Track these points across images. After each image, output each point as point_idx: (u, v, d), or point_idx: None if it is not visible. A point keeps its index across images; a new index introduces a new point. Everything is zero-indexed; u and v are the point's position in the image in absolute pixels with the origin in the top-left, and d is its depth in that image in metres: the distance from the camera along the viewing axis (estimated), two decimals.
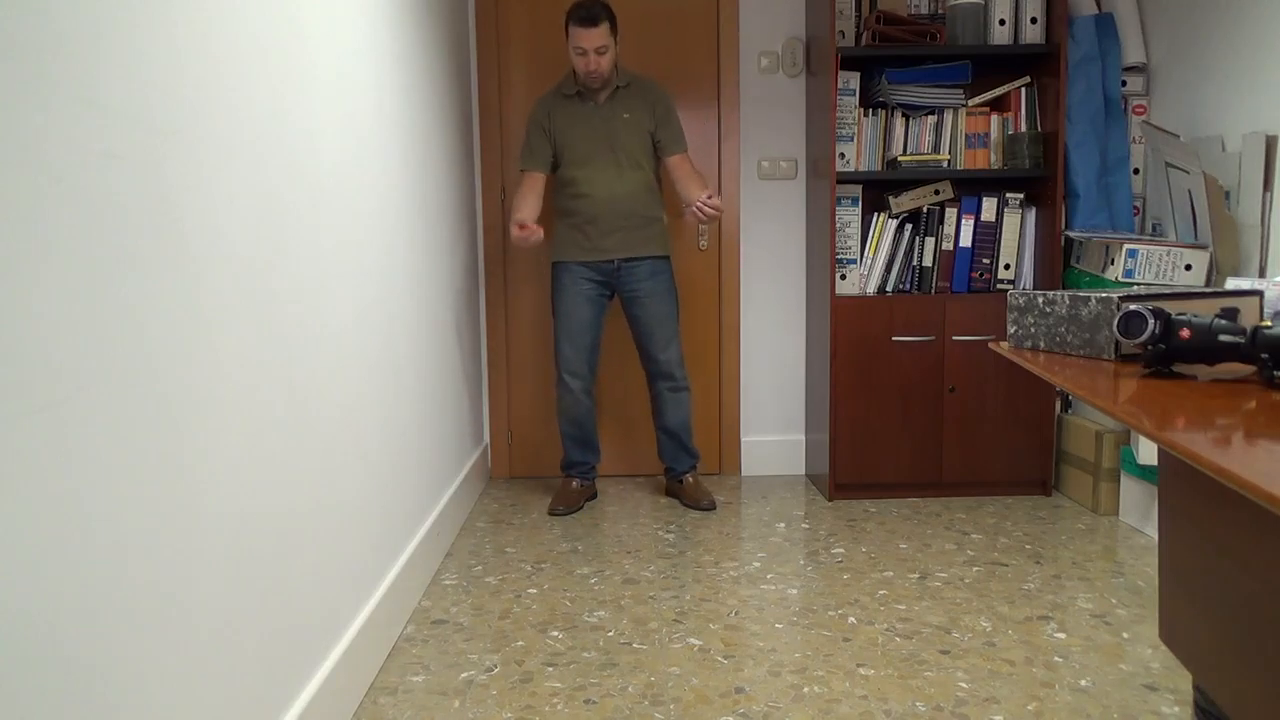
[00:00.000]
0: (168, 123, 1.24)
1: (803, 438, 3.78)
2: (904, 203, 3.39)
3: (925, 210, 3.38)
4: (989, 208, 3.35)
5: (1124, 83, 3.30)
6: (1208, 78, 2.97)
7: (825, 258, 3.33)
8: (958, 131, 3.37)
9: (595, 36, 3.00)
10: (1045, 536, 2.94)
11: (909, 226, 3.39)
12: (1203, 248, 2.88)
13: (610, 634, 2.27)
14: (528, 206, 3.16)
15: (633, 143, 3.15)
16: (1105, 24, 3.26)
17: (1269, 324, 1.20)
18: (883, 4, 3.37)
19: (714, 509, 3.29)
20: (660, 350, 3.24)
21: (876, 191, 3.53)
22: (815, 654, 2.14)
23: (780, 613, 2.38)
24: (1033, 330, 1.58)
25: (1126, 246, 2.94)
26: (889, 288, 3.41)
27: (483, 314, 3.70)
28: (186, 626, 1.26)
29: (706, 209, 2.96)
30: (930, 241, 3.37)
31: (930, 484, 3.39)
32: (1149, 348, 1.30)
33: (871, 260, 3.40)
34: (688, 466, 3.38)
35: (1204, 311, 1.41)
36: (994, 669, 2.06)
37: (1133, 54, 3.26)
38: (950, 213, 3.37)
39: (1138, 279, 2.94)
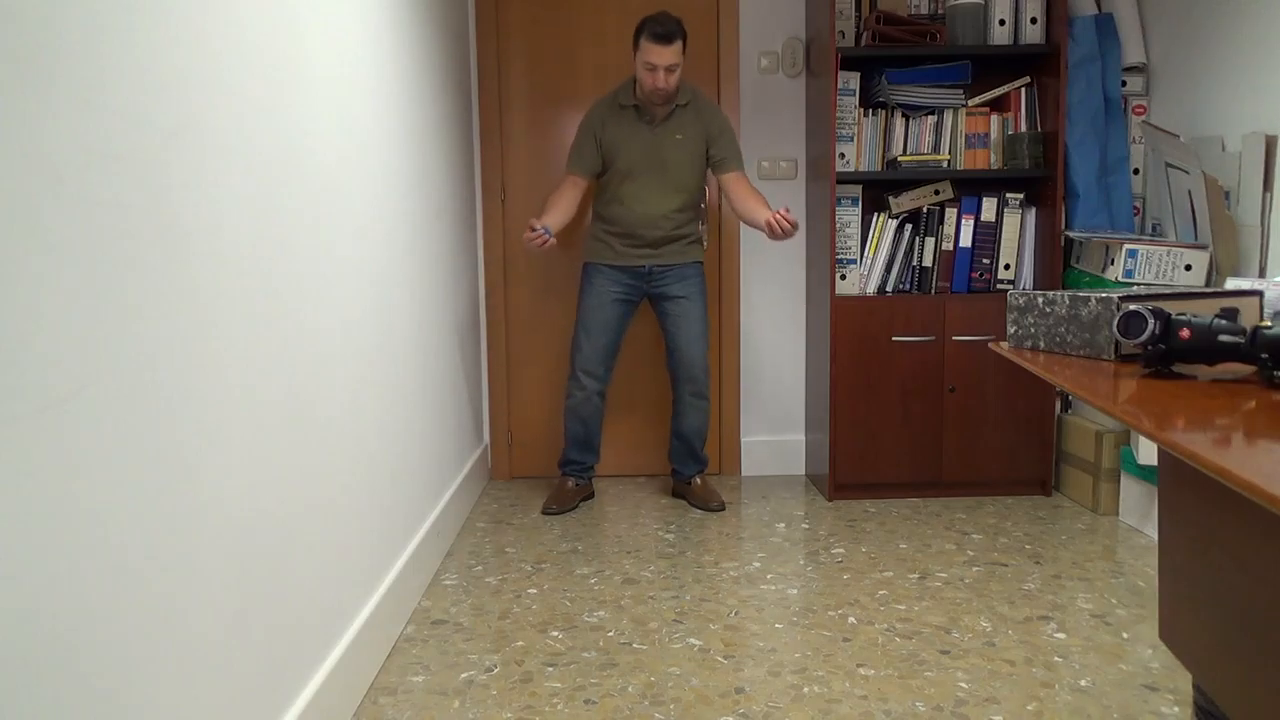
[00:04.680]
0: (168, 123, 1.24)
1: (803, 438, 3.78)
2: (904, 203, 3.40)
3: (925, 210, 3.38)
4: (989, 208, 3.35)
5: (1124, 83, 3.30)
6: (1208, 78, 2.97)
7: (825, 258, 3.33)
8: (958, 131, 3.37)
9: (669, 54, 2.92)
10: (1045, 536, 2.94)
11: (909, 227, 3.39)
12: (1203, 248, 2.88)
13: (610, 634, 2.27)
14: (557, 212, 3.08)
15: (682, 164, 3.11)
16: (1105, 24, 3.26)
17: (1269, 324, 1.20)
18: (883, 4, 3.37)
19: (723, 510, 3.29)
20: (690, 353, 3.22)
21: (876, 191, 3.53)
22: (815, 654, 2.14)
23: (780, 613, 2.38)
24: (1033, 330, 1.58)
25: (1126, 246, 2.94)
26: (889, 288, 3.41)
27: (483, 314, 3.70)
28: (187, 626, 1.27)
29: (784, 223, 2.85)
30: (930, 241, 3.37)
31: (930, 484, 3.39)
32: (1149, 348, 1.30)
33: (871, 260, 3.40)
34: (694, 471, 3.38)
35: (1204, 311, 1.41)
36: (994, 669, 2.06)
37: (1133, 54, 3.26)
38: (950, 213, 3.37)
39: (1138, 279, 2.94)
